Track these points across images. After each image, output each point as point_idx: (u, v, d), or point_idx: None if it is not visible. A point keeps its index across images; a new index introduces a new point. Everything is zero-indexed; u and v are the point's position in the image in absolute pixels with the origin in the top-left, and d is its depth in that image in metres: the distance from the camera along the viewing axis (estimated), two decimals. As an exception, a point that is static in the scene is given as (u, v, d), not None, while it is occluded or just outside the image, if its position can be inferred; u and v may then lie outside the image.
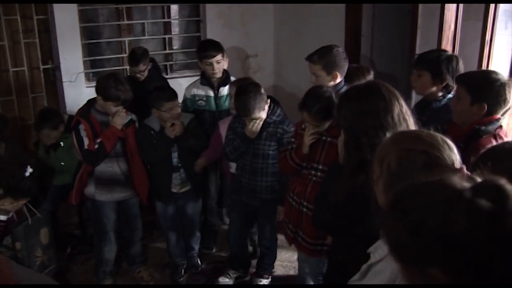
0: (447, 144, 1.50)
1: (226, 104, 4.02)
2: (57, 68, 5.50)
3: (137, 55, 4.59)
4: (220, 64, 3.96)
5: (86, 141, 3.48)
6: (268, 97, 3.51)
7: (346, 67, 3.35)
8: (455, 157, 1.48)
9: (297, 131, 3.15)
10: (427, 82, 3.10)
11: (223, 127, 3.72)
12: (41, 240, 3.42)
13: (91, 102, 3.54)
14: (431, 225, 1.04)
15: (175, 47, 6.11)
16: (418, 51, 3.91)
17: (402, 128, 1.99)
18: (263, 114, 3.37)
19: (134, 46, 5.06)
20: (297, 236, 3.05)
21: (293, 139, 3.17)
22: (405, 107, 2.06)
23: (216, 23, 6.01)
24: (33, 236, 3.36)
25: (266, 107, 3.38)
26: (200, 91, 4.01)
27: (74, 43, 5.46)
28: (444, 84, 3.09)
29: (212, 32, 5.97)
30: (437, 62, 3.07)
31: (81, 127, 3.48)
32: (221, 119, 3.90)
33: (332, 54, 3.29)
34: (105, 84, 3.46)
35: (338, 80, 3.30)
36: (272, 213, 3.62)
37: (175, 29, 6.14)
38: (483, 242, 0.99)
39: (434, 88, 3.10)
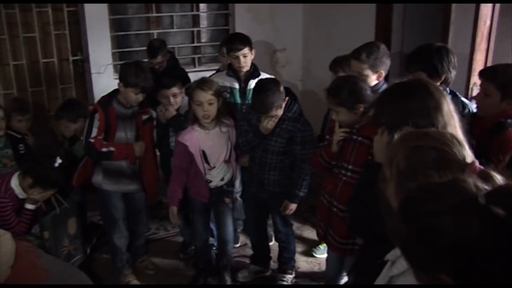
0: (457, 140, 1.44)
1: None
2: (86, 60, 5.54)
3: (155, 47, 4.60)
4: (247, 57, 3.90)
5: (94, 132, 3.43)
6: (286, 90, 3.46)
7: (389, 65, 3.25)
8: (466, 152, 1.42)
9: (332, 128, 3.02)
10: None
11: None
12: (68, 230, 3.46)
13: (114, 93, 3.52)
14: (442, 231, 1.01)
15: (203, 40, 6.10)
16: (450, 46, 3.83)
17: (451, 126, 1.90)
18: (280, 112, 3.32)
19: (152, 39, 5.05)
20: (328, 235, 3.00)
21: (327, 136, 3.08)
22: (451, 104, 1.98)
23: (244, 17, 6.00)
24: (60, 226, 3.39)
25: (284, 104, 3.32)
26: (226, 82, 3.97)
27: (103, 35, 5.49)
28: (443, 78, 2.96)
29: (240, 25, 5.95)
30: (429, 59, 2.95)
31: (96, 116, 3.44)
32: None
33: (379, 52, 3.18)
34: (126, 70, 3.46)
35: (381, 78, 3.22)
36: (281, 206, 3.56)
37: (204, 22, 6.14)
38: (495, 250, 0.95)
39: None
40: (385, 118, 2.06)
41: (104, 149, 3.46)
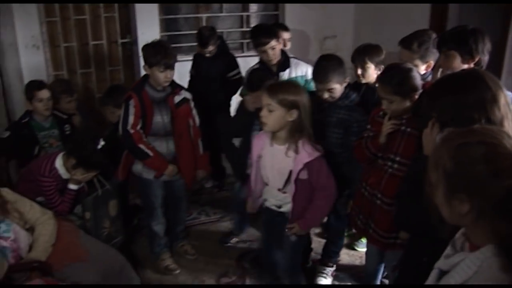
0: (505, 133, 1.34)
1: None
2: (134, 43, 5.55)
3: (205, 37, 4.50)
4: (275, 50, 3.78)
5: (131, 119, 3.36)
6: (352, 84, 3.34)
7: (438, 55, 3.07)
8: None
9: (374, 117, 2.89)
10: (457, 61, 2.75)
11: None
12: (109, 211, 3.47)
13: (146, 77, 3.47)
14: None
15: (252, 25, 6.01)
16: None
17: (508, 120, 1.77)
18: (337, 91, 3.16)
19: (201, 27, 4.95)
20: (368, 228, 2.89)
21: (368, 126, 2.94)
22: (507, 96, 1.85)
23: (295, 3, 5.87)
24: (101, 208, 3.41)
25: (343, 86, 3.17)
26: None
27: (152, 18, 5.49)
28: (476, 60, 2.75)
29: (290, 11, 5.85)
30: (463, 39, 2.73)
31: (131, 102, 3.37)
32: None
33: (430, 42, 3.02)
34: (146, 51, 3.40)
35: (429, 69, 3.06)
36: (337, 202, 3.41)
37: (253, 7, 6.05)
38: None
39: (465, 67, 2.74)
40: (438, 112, 1.93)
41: (142, 146, 3.39)
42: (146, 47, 3.40)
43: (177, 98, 3.50)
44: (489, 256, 1.28)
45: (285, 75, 3.84)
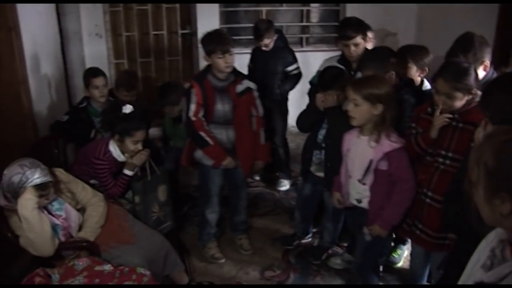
0: None
1: None
2: (194, 34, 5.63)
3: (260, 30, 4.48)
4: (358, 46, 3.60)
5: (192, 107, 3.41)
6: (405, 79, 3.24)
7: (490, 51, 2.95)
8: None
9: (420, 115, 2.81)
10: None
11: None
12: (158, 196, 3.51)
13: (209, 67, 3.50)
14: None
15: (312, 20, 5.96)
16: None
17: None
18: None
19: (258, 19, 4.93)
20: (415, 229, 2.81)
21: (413, 124, 2.85)
22: None
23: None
24: (150, 192, 3.45)
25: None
26: None
27: (212, 9, 5.55)
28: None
29: (352, 6, 5.77)
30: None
31: (193, 91, 3.42)
32: None
33: (475, 45, 2.90)
34: (204, 40, 3.42)
35: (488, 68, 2.94)
36: None
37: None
38: None
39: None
40: (491, 110, 1.86)
41: (203, 134, 3.43)
42: (203, 37, 3.44)
43: (240, 87, 3.51)
44: None
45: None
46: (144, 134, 3.41)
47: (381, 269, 3.54)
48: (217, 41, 3.32)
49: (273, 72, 4.57)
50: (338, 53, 3.88)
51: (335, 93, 3.23)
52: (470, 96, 2.53)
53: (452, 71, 2.54)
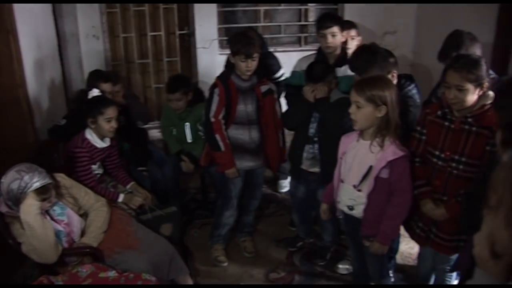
0: None
1: (341, 86, 3.46)
2: (192, 34, 5.58)
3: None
4: (335, 37, 3.65)
5: (214, 108, 3.42)
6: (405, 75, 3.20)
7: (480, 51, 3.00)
8: None
9: (429, 118, 2.71)
10: None
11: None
12: (162, 232, 3.42)
13: (233, 67, 3.49)
14: None
15: (310, 19, 5.92)
16: None
17: None
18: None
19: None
20: (430, 234, 2.77)
21: (418, 128, 2.78)
22: None
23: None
24: (152, 229, 3.37)
25: (395, 80, 2.98)
26: None
27: (210, 10, 5.50)
28: None
29: (350, 5, 5.72)
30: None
31: (216, 91, 3.44)
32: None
33: (467, 39, 3.00)
34: (230, 40, 3.44)
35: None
36: None
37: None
38: None
39: None
40: (505, 113, 1.82)
41: (217, 137, 3.44)
42: (231, 36, 3.45)
43: (263, 88, 3.52)
44: None
45: (341, 71, 3.71)
46: (115, 111, 3.40)
47: (391, 272, 3.52)
48: (242, 44, 3.30)
49: None
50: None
51: (324, 85, 3.26)
52: (482, 91, 2.47)
53: (463, 61, 2.46)
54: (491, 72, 2.89)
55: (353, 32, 4.15)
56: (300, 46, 5.88)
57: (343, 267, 3.66)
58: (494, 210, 1.18)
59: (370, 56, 2.96)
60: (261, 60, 3.45)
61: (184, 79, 4.29)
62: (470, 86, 2.43)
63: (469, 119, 2.50)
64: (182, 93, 4.05)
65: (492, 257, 1.15)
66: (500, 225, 1.17)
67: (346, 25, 4.07)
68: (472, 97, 2.46)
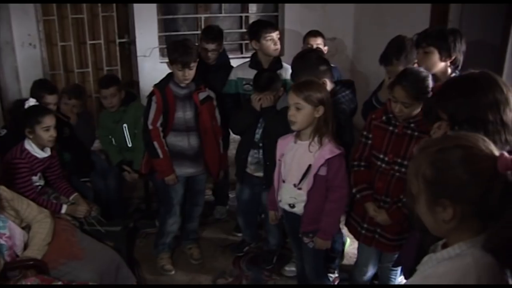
0: (480, 137, 1.34)
1: None
2: (132, 42, 5.54)
3: (215, 31, 4.10)
4: (277, 43, 3.76)
5: (151, 115, 3.43)
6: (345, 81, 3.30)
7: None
8: (492, 146, 1.32)
9: (372, 122, 2.82)
10: (435, 58, 2.90)
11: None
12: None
13: (171, 74, 3.49)
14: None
15: (251, 27, 5.98)
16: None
17: None
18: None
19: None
20: (375, 234, 2.87)
21: (364, 132, 2.88)
22: None
23: (295, 3, 5.85)
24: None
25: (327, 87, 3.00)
26: (248, 75, 3.79)
27: (150, 18, 5.47)
28: (453, 59, 2.90)
29: (290, 12, 5.84)
30: (443, 37, 2.88)
31: (153, 99, 3.44)
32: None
33: (407, 47, 3.09)
34: (169, 48, 3.47)
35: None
36: None
37: (253, 8, 6.03)
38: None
39: (442, 65, 2.90)
40: (450, 113, 1.94)
41: (156, 145, 3.45)
42: (169, 44, 3.42)
43: (202, 95, 3.52)
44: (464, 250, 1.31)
45: None
46: (53, 119, 3.33)
47: (337, 274, 3.59)
48: (180, 53, 3.31)
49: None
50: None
51: (271, 93, 3.32)
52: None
53: (411, 79, 2.57)
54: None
55: (319, 41, 4.25)
56: (242, 53, 5.94)
57: (290, 270, 3.70)
58: (416, 200, 1.39)
59: (302, 62, 3.09)
60: (198, 67, 3.47)
61: (116, 77, 4.28)
62: (415, 102, 2.58)
63: (412, 125, 2.64)
64: (116, 89, 3.99)
65: None
66: (423, 211, 1.38)
67: (313, 33, 4.20)
68: (417, 110, 2.62)
